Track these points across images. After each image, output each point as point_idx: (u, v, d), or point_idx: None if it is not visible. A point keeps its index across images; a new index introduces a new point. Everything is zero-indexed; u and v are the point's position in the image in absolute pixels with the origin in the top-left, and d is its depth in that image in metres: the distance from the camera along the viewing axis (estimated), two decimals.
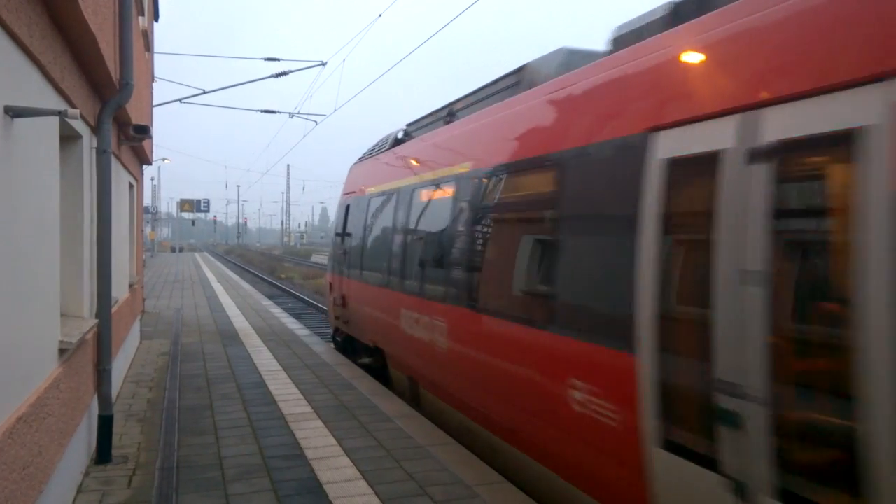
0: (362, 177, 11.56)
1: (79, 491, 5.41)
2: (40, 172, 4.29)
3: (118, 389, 8.62)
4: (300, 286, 35.42)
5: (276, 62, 20.12)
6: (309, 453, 6.26)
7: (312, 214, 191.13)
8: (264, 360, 11.03)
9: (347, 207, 12.10)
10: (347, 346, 11.93)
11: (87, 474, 5.78)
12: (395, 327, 8.66)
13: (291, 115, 24.19)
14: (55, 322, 4.77)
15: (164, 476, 5.66)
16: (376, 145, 11.53)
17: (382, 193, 9.96)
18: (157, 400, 8.32)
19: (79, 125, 5.60)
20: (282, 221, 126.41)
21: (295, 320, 16.80)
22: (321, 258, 67.11)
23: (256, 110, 24.45)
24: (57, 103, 4.67)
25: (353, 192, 11.88)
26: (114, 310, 6.84)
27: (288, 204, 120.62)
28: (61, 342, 4.77)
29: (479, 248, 6.60)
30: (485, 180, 6.56)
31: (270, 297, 25.10)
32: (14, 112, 3.54)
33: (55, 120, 4.59)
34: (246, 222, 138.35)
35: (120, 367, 9.00)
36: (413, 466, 5.94)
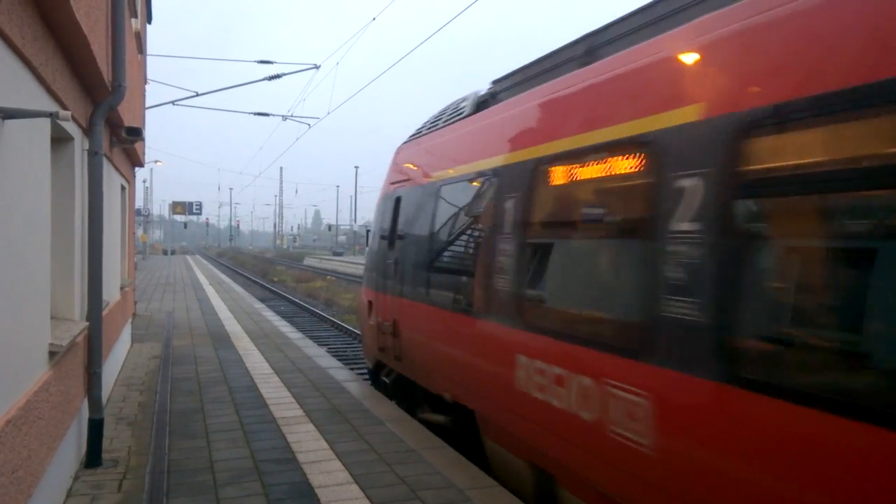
0: (423, 159, 8.21)
1: (68, 495, 5.38)
2: (31, 174, 4.27)
3: (109, 392, 8.57)
4: (293, 289, 35.39)
5: (270, 65, 20.19)
6: (301, 457, 6.24)
7: (305, 217, 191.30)
8: (256, 363, 11.00)
9: (398, 201, 8.64)
10: (400, 389, 8.68)
11: (76, 478, 5.74)
12: (500, 380, 5.58)
13: (284, 117, 24.26)
14: (45, 325, 4.75)
15: (154, 480, 5.63)
16: (441, 115, 8.34)
17: (468, 177, 6.70)
18: (147, 403, 8.28)
19: (70, 127, 5.58)
20: (274, 224, 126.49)
21: (287, 323, 16.75)
22: (314, 261, 67.14)
23: (249, 113, 24.47)
24: (48, 105, 4.65)
25: (407, 181, 8.51)
26: (105, 312, 6.81)
27: (281, 207, 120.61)
28: (51, 345, 4.75)
29: (776, 258, 3.43)
30: (750, 134, 3.44)
31: (262, 300, 25.05)
32: (5, 113, 3.53)
33: (46, 122, 4.57)
34: (238, 225, 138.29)
35: (111, 371, 8.96)
36: (405, 470, 5.93)
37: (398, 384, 8.68)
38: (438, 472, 5.87)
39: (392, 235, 8.63)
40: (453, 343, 6.66)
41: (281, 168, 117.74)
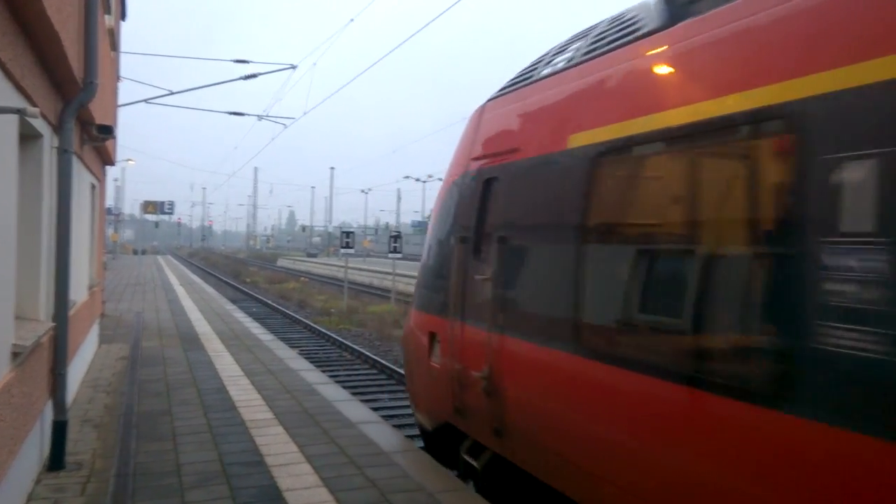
0: (551, 115, 5.07)
1: (29, 499, 5.28)
2: None
3: (74, 394, 8.43)
4: (265, 290, 35.13)
5: (246, 64, 20.06)
6: (269, 460, 6.20)
7: (280, 218, 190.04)
8: (226, 365, 10.89)
9: (489, 185, 5.64)
10: (498, 477, 5.64)
11: (38, 482, 5.64)
12: None
13: (260, 117, 24.13)
14: (9, 325, 4.66)
15: (119, 483, 5.55)
16: (569, 44, 5.41)
17: (694, 129, 3.66)
18: (114, 405, 8.16)
19: (39, 124, 5.50)
20: (247, 224, 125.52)
21: (258, 325, 16.63)
22: (287, 262, 66.68)
23: (224, 112, 24.25)
24: (17, 101, 4.58)
25: (512, 152, 5.37)
26: (71, 312, 6.71)
27: (254, 207, 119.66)
28: (14, 346, 4.66)
29: None
30: None
31: (234, 302, 24.85)
32: None
33: (14, 118, 4.49)
34: (211, 225, 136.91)
35: (76, 372, 8.82)
36: (376, 473, 5.92)
37: (495, 469, 5.62)
38: (409, 476, 5.87)
39: (480, 236, 5.63)
40: (672, 442, 3.55)
41: (255, 168, 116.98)
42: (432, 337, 6.34)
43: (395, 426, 8.24)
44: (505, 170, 5.45)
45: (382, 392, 12.26)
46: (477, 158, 5.99)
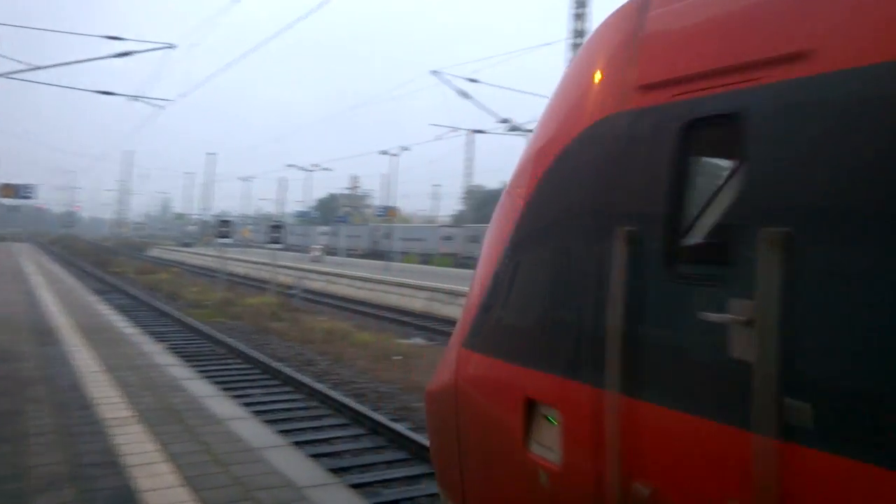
0: None
1: None
2: None
3: None
4: (133, 281, 33.43)
5: (120, 41, 18.94)
6: (127, 460, 5.89)
7: (152, 205, 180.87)
8: (84, 360, 10.24)
9: (695, 131, 2.76)
10: None
11: None
12: None
13: (132, 97, 23.00)
14: None
15: None
16: None
17: None
18: None
19: None
20: (116, 211, 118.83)
21: (123, 318, 15.81)
22: (159, 251, 63.58)
23: (93, 91, 22.83)
24: None
25: (767, 67, 2.47)
26: None
27: (123, 192, 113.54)
28: None
29: None
30: None
31: (98, 293, 23.47)
32: None
33: None
34: (77, 210, 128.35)
35: None
36: (241, 470, 5.76)
37: None
38: (277, 472, 5.77)
39: (681, 232, 2.95)
40: None
41: (125, 151, 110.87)
42: (530, 408, 3.42)
43: (264, 422, 8.06)
44: (762, 97, 2.57)
45: (254, 387, 11.97)
46: (649, 87, 3.11)
